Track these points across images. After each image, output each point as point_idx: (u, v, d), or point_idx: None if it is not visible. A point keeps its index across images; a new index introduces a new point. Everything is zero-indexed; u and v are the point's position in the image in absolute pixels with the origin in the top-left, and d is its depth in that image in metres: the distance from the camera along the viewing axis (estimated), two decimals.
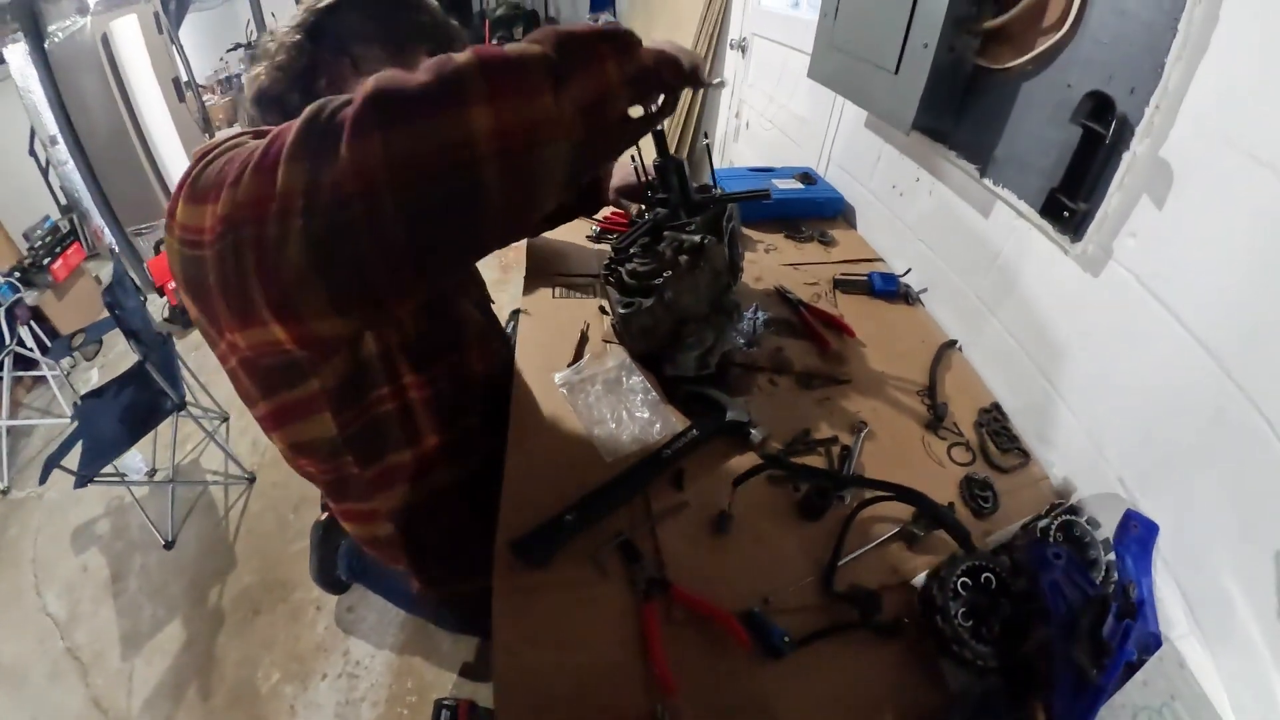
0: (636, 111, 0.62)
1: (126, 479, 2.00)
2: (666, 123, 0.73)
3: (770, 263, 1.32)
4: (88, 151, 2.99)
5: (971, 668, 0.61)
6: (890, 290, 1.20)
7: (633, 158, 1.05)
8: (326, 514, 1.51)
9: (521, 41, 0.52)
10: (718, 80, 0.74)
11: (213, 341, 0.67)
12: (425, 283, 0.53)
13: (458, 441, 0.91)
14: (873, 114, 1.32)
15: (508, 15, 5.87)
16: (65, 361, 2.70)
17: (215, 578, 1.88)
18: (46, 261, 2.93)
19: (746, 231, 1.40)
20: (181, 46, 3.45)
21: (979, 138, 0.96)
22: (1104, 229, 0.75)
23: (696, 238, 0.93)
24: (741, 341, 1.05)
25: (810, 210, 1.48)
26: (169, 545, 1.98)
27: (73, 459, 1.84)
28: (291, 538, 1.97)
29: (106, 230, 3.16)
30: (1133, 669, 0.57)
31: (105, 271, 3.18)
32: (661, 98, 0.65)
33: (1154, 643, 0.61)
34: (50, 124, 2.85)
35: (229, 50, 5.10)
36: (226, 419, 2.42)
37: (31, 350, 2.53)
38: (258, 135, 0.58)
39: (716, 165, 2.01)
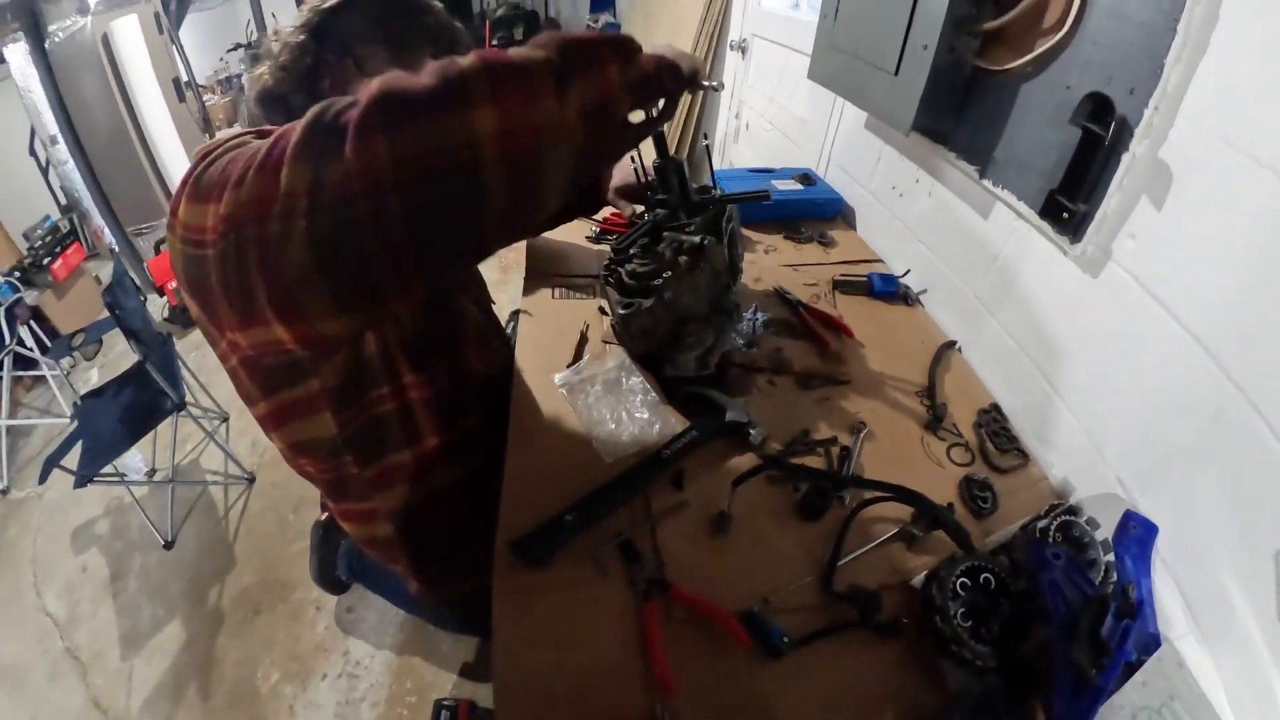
0: (637, 116, 0.62)
1: (126, 479, 2.00)
2: (666, 124, 0.73)
3: (770, 263, 1.32)
4: (88, 151, 2.99)
5: (971, 668, 0.61)
6: (890, 291, 1.20)
7: (633, 159, 1.05)
8: (326, 514, 1.51)
9: (524, 46, 0.53)
10: (716, 83, 0.74)
11: (213, 340, 0.67)
12: (428, 281, 0.53)
13: (457, 441, 0.91)
14: (872, 115, 1.33)
15: (508, 16, 5.88)
16: (65, 361, 2.70)
17: (215, 578, 1.88)
18: (46, 261, 2.94)
19: (746, 232, 1.40)
20: (182, 46, 3.45)
21: (978, 139, 0.97)
22: (1103, 230, 0.75)
23: (696, 238, 0.93)
24: (741, 342, 1.05)
25: (810, 211, 1.48)
26: (169, 545, 1.98)
27: (72, 459, 1.84)
28: (291, 538, 1.97)
29: (106, 230, 3.16)
30: (1132, 669, 0.57)
31: (105, 271, 3.18)
32: (661, 102, 0.66)
33: (1153, 643, 0.61)
34: (50, 124, 2.85)
35: (229, 50, 5.11)
36: (226, 419, 2.42)
37: (31, 350, 2.53)
38: (260, 135, 0.58)
39: (716, 166, 2.02)
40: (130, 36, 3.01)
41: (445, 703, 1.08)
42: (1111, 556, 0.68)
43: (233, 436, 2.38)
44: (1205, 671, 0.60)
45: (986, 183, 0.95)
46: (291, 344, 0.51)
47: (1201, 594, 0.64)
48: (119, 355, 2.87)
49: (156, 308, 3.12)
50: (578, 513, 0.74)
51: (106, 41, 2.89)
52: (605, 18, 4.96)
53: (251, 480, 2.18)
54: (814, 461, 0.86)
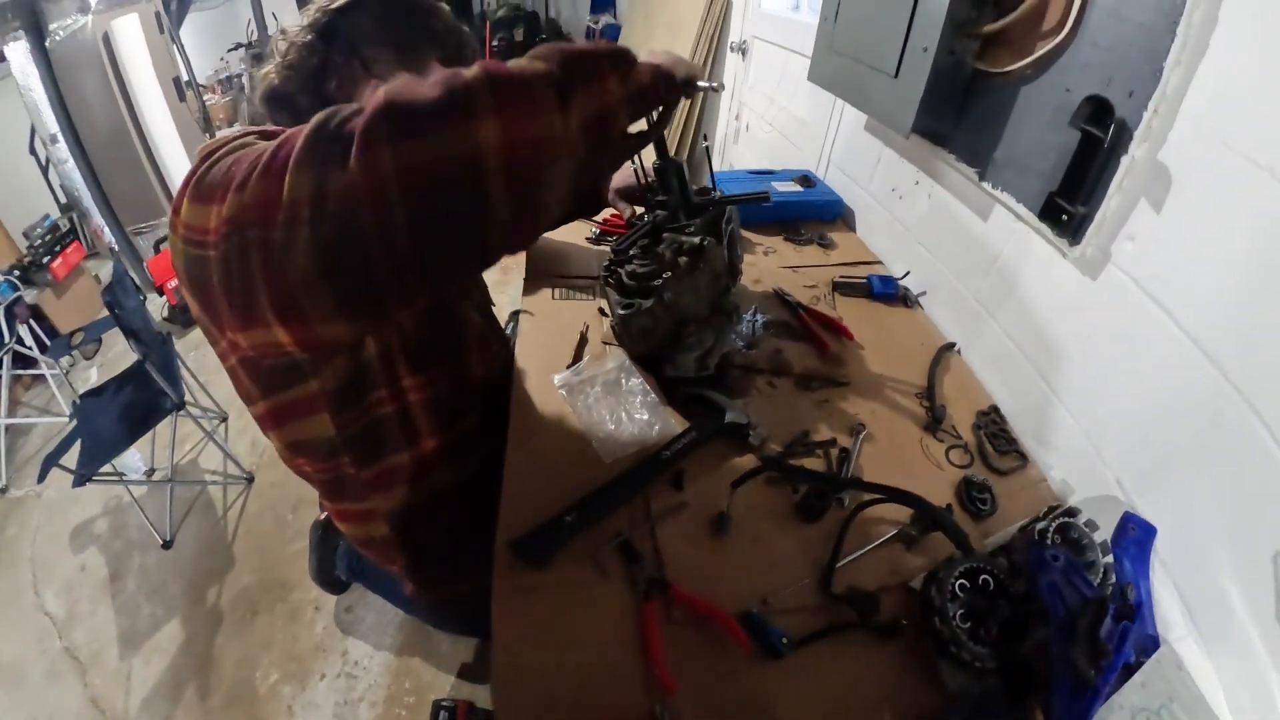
0: (634, 125, 0.63)
1: (125, 478, 1.99)
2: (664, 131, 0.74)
3: (769, 265, 1.32)
4: (88, 150, 2.99)
5: (969, 669, 0.61)
6: (889, 293, 1.20)
7: (633, 160, 1.05)
8: (325, 514, 1.51)
9: (525, 58, 0.53)
10: (715, 84, 0.74)
11: (213, 339, 0.67)
12: (431, 289, 0.53)
13: (456, 443, 0.91)
14: (872, 117, 1.33)
15: (508, 17, 5.88)
16: (64, 360, 2.70)
17: (214, 578, 1.88)
18: (46, 260, 2.93)
19: (746, 234, 1.40)
20: (182, 46, 3.45)
21: (978, 141, 0.97)
22: (1102, 232, 0.75)
23: (696, 240, 0.93)
24: (740, 344, 1.05)
25: (809, 213, 1.48)
26: (167, 545, 1.98)
27: (71, 458, 1.83)
28: (290, 538, 1.96)
29: (106, 229, 3.16)
30: (1131, 671, 0.57)
31: (105, 270, 3.18)
32: (657, 111, 0.67)
33: (1152, 644, 0.61)
34: (51, 122, 2.85)
35: (230, 50, 5.10)
36: (225, 419, 2.42)
37: (31, 349, 2.53)
38: (264, 135, 0.58)
39: (716, 168, 2.02)
40: (131, 35, 3.01)
41: (444, 703, 1.08)
42: (1110, 558, 0.68)
43: (232, 436, 2.38)
44: (1204, 673, 0.60)
45: (986, 185, 0.95)
46: (292, 346, 0.51)
47: (1200, 596, 0.64)
48: (118, 354, 2.87)
49: (156, 307, 3.12)
50: (578, 513, 0.74)
51: (107, 40, 2.89)
52: (605, 19, 4.96)
53: (250, 480, 2.18)
54: (813, 463, 0.86)
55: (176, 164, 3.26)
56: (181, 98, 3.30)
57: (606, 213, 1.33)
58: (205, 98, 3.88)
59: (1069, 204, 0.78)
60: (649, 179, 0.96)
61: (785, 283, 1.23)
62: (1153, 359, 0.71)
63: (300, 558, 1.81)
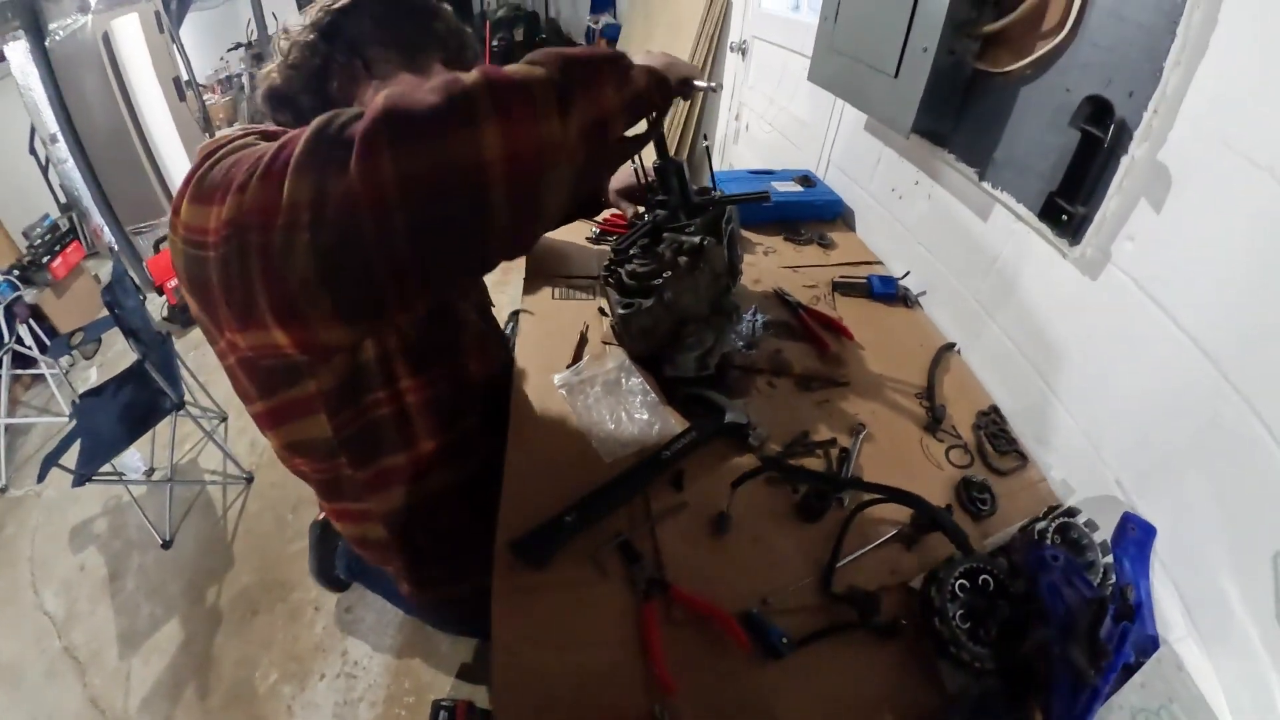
0: (629, 130, 0.64)
1: (125, 478, 1.99)
2: (666, 125, 0.74)
3: (769, 265, 1.32)
4: (88, 150, 2.99)
5: (969, 669, 0.61)
6: (889, 293, 1.20)
7: (633, 160, 1.05)
8: (324, 513, 1.51)
9: (524, 63, 0.53)
10: (713, 84, 0.75)
11: (212, 338, 0.67)
12: (431, 294, 0.53)
13: (455, 444, 0.91)
14: (872, 117, 1.33)
15: (508, 17, 5.88)
16: (64, 360, 2.69)
17: (213, 577, 1.88)
18: (46, 260, 2.93)
19: (746, 234, 1.40)
20: (182, 45, 3.45)
21: (978, 141, 0.97)
22: (1102, 232, 0.75)
23: (696, 239, 0.93)
24: (740, 344, 1.05)
25: (809, 213, 1.48)
26: (167, 545, 1.98)
27: (71, 457, 1.84)
28: (290, 538, 1.96)
29: (106, 229, 3.16)
30: (1130, 671, 0.57)
31: (104, 270, 3.18)
32: (652, 116, 0.67)
33: (1152, 645, 0.61)
34: (50, 122, 2.85)
35: (230, 50, 5.10)
36: (225, 419, 2.42)
37: (30, 348, 2.53)
38: (264, 135, 0.58)
39: (716, 167, 2.02)
40: (131, 35, 3.01)
41: (443, 703, 1.08)
42: (1110, 558, 0.68)
43: (231, 436, 2.37)
44: (1204, 674, 0.60)
45: (986, 185, 0.95)
46: (291, 349, 0.51)
47: (1200, 596, 0.64)
48: (118, 354, 2.87)
49: (155, 307, 3.12)
50: (577, 513, 0.74)
51: (107, 40, 2.89)
52: (605, 18, 4.96)
53: (250, 480, 2.18)
54: (813, 463, 0.86)
55: (176, 164, 3.26)
56: (181, 97, 3.30)
57: (606, 212, 1.33)
58: (205, 98, 3.87)
59: (1069, 204, 0.78)
60: (649, 178, 0.96)
61: (785, 283, 1.23)
62: (1152, 359, 0.71)
63: (300, 558, 1.82)
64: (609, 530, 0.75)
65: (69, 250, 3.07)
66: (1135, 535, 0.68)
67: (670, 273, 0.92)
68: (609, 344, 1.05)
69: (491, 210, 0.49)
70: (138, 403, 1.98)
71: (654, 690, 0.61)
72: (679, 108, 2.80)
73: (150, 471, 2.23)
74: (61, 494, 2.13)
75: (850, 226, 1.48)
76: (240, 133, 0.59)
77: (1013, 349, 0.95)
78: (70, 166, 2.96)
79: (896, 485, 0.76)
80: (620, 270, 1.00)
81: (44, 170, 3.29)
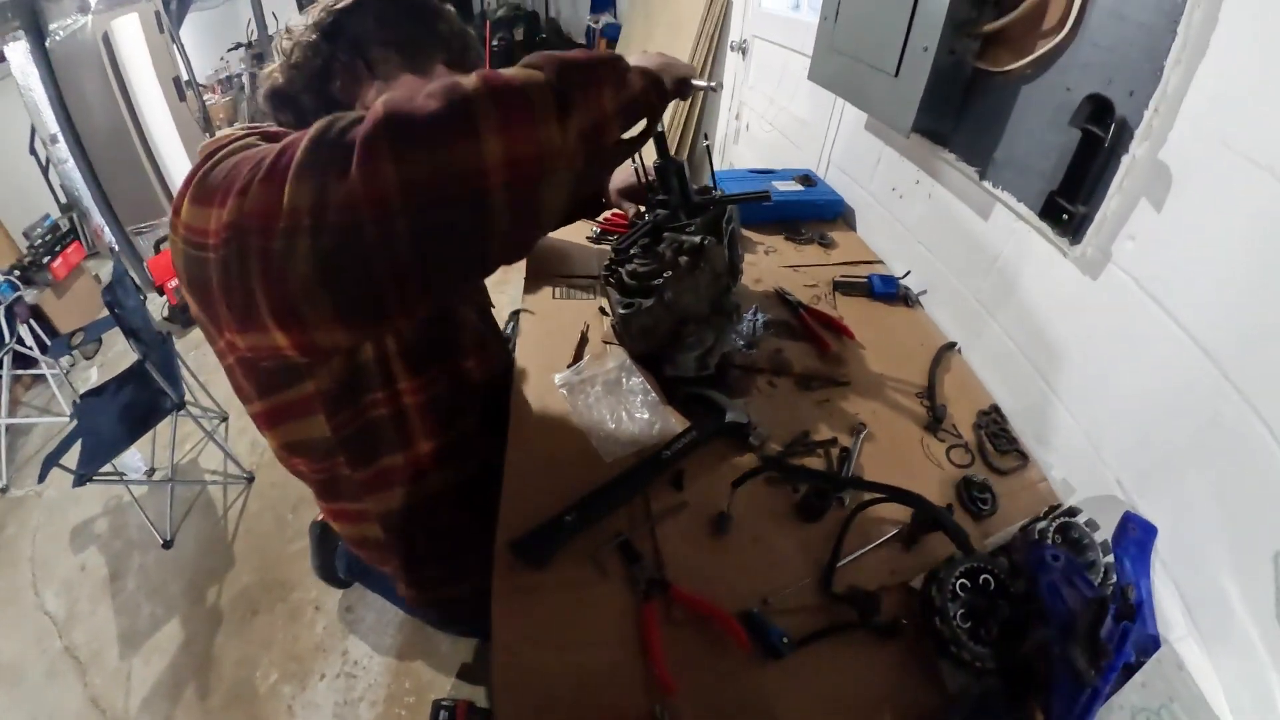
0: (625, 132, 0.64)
1: (125, 478, 2.00)
2: (667, 124, 0.74)
3: (770, 264, 1.32)
4: (88, 150, 2.99)
5: (970, 669, 0.61)
6: (890, 292, 1.20)
7: (633, 159, 1.05)
8: (322, 514, 1.51)
9: (521, 66, 0.53)
10: (712, 84, 0.75)
11: (212, 338, 0.67)
12: (432, 298, 0.53)
13: (454, 444, 0.90)
14: (873, 116, 1.33)
15: (508, 17, 5.87)
16: (64, 360, 2.70)
17: (214, 577, 1.88)
18: (46, 260, 2.94)
19: (746, 233, 1.40)
20: (182, 45, 3.45)
21: (978, 140, 0.97)
22: (1103, 231, 0.75)
23: (696, 239, 0.93)
24: (741, 343, 1.05)
25: (810, 212, 1.48)
26: (167, 545, 1.98)
27: (71, 457, 1.84)
28: (290, 537, 1.97)
29: (106, 229, 3.16)
30: (1131, 671, 0.57)
31: (105, 270, 3.18)
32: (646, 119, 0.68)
33: (1152, 644, 0.61)
34: (51, 122, 2.86)
35: (230, 50, 5.10)
36: (225, 418, 2.42)
37: (31, 348, 2.53)
38: (266, 136, 0.58)
39: (716, 167, 2.02)
40: (131, 35, 3.01)
41: (444, 703, 1.08)
42: (1111, 558, 0.68)
43: (232, 436, 2.38)
44: (1204, 673, 0.60)
45: (986, 184, 0.95)
46: (290, 350, 0.51)
47: (1200, 595, 0.64)
48: (118, 354, 2.87)
49: (156, 307, 3.12)
50: (577, 513, 0.74)
51: (107, 40, 2.89)
52: (605, 18, 4.96)
53: (250, 480, 2.18)
54: (814, 463, 0.86)
55: (176, 164, 3.26)
56: (181, 97, 3.30)
57: (607, 212, 1.33)
58: (205, 98, 3.87)
59: (1069, 203, 0.78)
60: (649, 178, 0.96)
61: (786, 282, 1.23)
62: (1153, 358, 0.71)
63: (300, 558, 1.82)
64: (609, 530, 0.75)
65: (69, 250, 3.07)
66: (1136, 535, 0.68)
67: (671, 272, 0.92)
68: (609, 343, 1.05)
69: (492, 215, 0.49)
70: (138, 403, 1.98)
71: (654, 690, 0.61)
72: (679, 107, 2.80)
73: (151, 471, 2.23)
74: (62, 494, 2.13)
75: (851, 226, 1.48)
76: (242, 132, 0.59)
77: (1013, 348, 0.95)
78: (70, 167, 2.97)
79: (897, 485, 0.76)
80: (621, 270, 1.00)
81: (44, 170, 3.29)
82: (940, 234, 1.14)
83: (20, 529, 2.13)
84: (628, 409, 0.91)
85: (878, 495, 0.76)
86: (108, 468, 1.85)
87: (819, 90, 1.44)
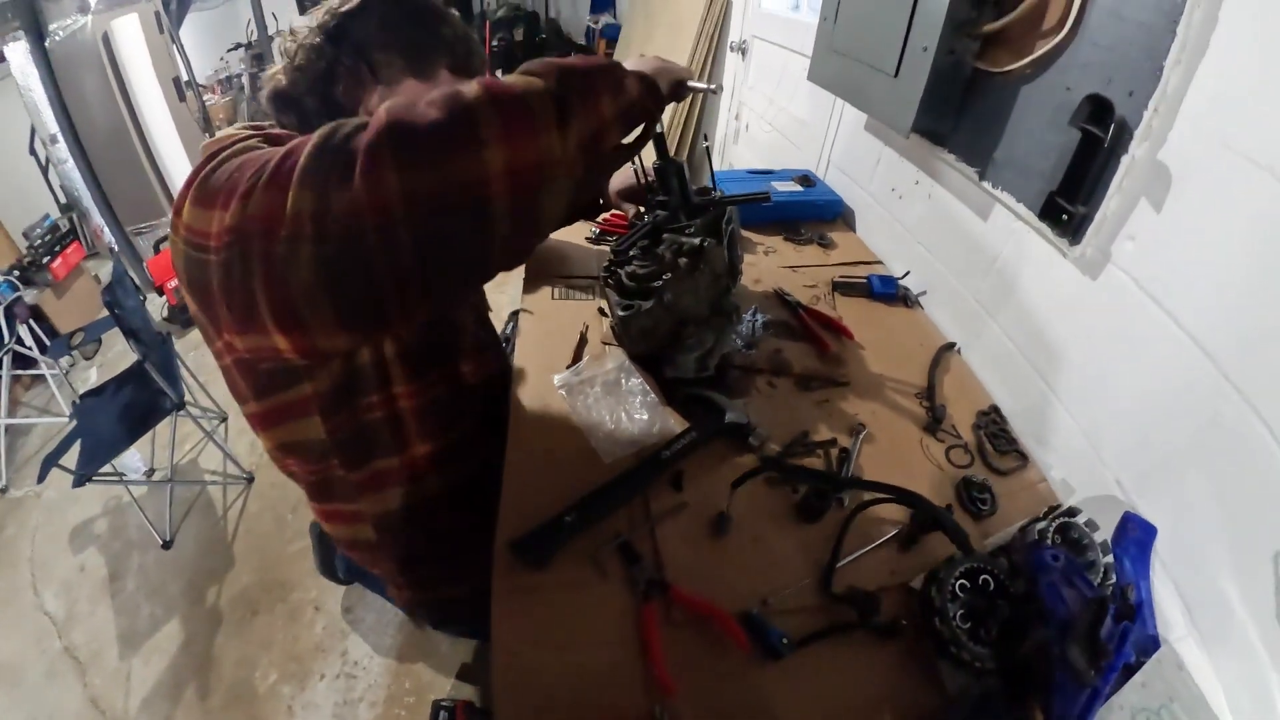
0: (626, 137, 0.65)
1: (125, 478, 2.00)
2: (666, 125, 0.74)
3: (769, 265, 1.32)
4: (88, 150, 2.99)
5: (969, 669, 0.61)
6: (889, 293, 1.20)
7: (633, 160, 1.05)
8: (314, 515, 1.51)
9: (521, 74, 0.54)
10: (711, 85, 0.75)
11: (209, 338, 0.67)
12: (432, 303, 0.54)
13: (452, 447, 0.90)
14: (872, 117, 1.33)
15: (508, 17, 5.87)
16: (64, 360, 2.70)
17: (213, 578, 1.88)
18: (46, 260, 2.94)
19: (746, 234, 1.40)
20: (182, 46, 3.45)
21: (978, 141, 0.97)
22: (1102, 232, 0.75)
23: (696, 240, 0.93)
24: (740, 344, 1.05)
25: (809, 213, 1.48)
26: (167, 545, 1.98)
27: (71, 458, 1.84)
28: (290, 538, 1.96)
29: (106, 229, 3.16)
30: (1131, 671, 0.57)
31: (105, 270, 3.18)
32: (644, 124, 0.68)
33: (1152, 645, 0.61)
34: (50, 122, 2.85)
35: (230, 50, 5.10)
36: (225, 419, 2.42)
37: (30, 349, 2.53)
38: (269, 138, 0.58)
39: (716, 168, 2.02)
40: (131, 35, 3.01)
41: (443, 703, 1.08)
42: (1110, 558, 0.68)
43: (231, 436, 2.38)
44: (1204, 673, 0.60)
45: (986, 184, 0.95)
46: (290, 353, 0.52)
47: (1200, 596, 0.64)
48: (118, 354, 2.87)
49: (156, 307, 3.12)
50: (577, 513, 0.74)
51: (107, 40, 2.89)
52: (605, 18, 4.96)
53: (250, 480, 2.18)
54: (813, 463, 0.86)
55: (176, 164, 3.26)
56: (181, 98, 3.30)
57: (607, 213, 1.33)
58: (205, 98, 3.87)
59: (1069, 204, 0.78)
60: (649, 179, 0.96)
61: (785, 283, 1.23)
62: (1152, 359, 0.71)
63: (299, 558, 1.82)
64: (609, 531, 0.75)
65: (69, 251, 3.07)
66: (1136, 535, 0.68)
67: (670, 274, 0.92)
68: (609, 344, 1.05)
69: (493, 223, 0.50)
70: (138, 403, 1.98)
71: (654, 691, 0.61)
72: (678, 108, 2.80)
73: (150, 472, 2.23)
74: (62, 494, 2.13)
75: (850, 226, 1.48)
76: (246, 133, 0.59)
77: (1013, 349, 0.95)
78: (70, 167, 2.97)
79: (897, 485, 0.76)
80: (620, 271, 1.00)
81: (44, 171, 3.29)
82: (940, 234, 1.14)
83: (20, 529, 2.13)
84: (627, 410, 0.91)
85: (877, 495, 0.76)
86: (107, 468, 1.85)
87: (818, 91, 1.44)
